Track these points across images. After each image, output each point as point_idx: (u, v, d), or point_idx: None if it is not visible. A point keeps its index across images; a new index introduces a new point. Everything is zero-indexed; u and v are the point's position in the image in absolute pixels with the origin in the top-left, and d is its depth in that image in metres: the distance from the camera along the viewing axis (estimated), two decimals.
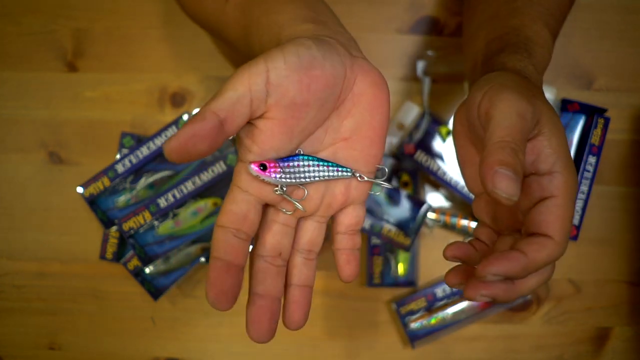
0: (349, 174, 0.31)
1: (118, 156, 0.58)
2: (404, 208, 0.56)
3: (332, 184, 0.32)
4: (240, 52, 0.43)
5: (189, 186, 0.54)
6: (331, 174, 0.31)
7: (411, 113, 0.58)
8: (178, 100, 0.60)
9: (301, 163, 0.30)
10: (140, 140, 0.58)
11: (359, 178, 0.32)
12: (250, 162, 0.28)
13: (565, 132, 0.31)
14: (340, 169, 0.31)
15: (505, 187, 0.26)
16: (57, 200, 0.59)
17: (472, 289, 0.29)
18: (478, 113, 0.31)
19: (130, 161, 0.56)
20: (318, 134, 0.31)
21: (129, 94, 0.60)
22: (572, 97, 0.57)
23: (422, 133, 0.58)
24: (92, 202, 0.57)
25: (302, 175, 0.30)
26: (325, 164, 0.31)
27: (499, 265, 0.28)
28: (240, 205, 0.29)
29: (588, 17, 0.60)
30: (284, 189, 0.29)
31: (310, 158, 0.30)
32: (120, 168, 0.56)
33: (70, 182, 0.58)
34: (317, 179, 0.31)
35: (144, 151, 0.56)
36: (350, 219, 0.33)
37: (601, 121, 0.55)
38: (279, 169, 0.29)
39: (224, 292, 0.27)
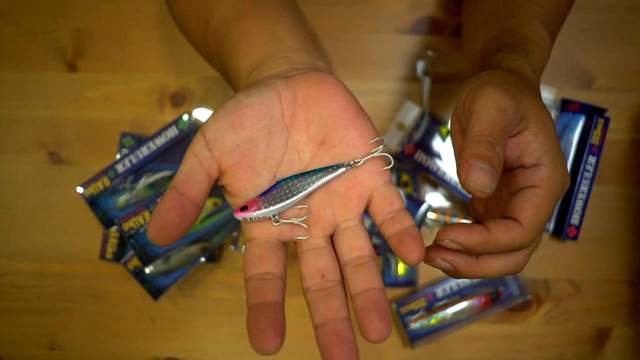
0: (341, 169, 0.30)
1: (118, 156, 0.58)
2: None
3: (333, 187, 0.31)
4: (223, 78, 0.44)
5: None
6: (322, 179, 0.30)
7: (411, 113, 0.58)
8: (178, 100, 0.60)
9: (284, 187, 0.30)
10: (140, 140, 0.58)
11: (354, 164, 0.30)
12: (234, 211, 0.30)
13: (555, 128, 0.31)
14: (328, 169, 0.31)
15: (477, 179, 0.26)
16: (57, 200, 0.59)
17: (434, 252, 0.29)
18: (463, 109, 0.31)
19: (130, 161, 0.56)
20: (291, 157, 0.31)
21: (129, 94, 0.60)
22: (572, 97, 0.57)
23: (422, 133, 0.58)
24: (92, 202, 0.57)
25: (289, 195, 0.30)
26: (309, 174, 0.30)
27: (459, 233, 0.28)
28: (252, 251, 0.30)
29: (588, 17, 0.60)
30: (277, 216, 0.30)
31: (291, 178, 0.30)
32: (120, 168, 0.56)
33: (70, 182, 0.58)
34: (306, 191, 0.30)
35: (144, 151, 0.56)
36: (380, 203, 0.30)
37: (601, 121, 0.55)
38: (260, 203, 0.29)
39: (262, 330, 0.26)
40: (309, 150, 0.32)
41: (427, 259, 0.29)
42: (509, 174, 0.31)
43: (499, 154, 0.27)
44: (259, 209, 0.29)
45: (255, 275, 0.29)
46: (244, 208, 0.29)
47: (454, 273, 0.30)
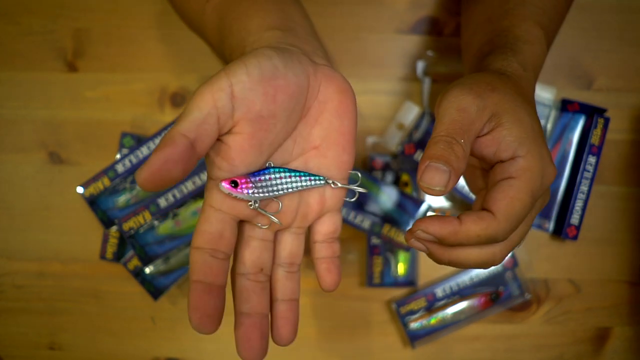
0: (322, 182, 0.31)
1: (118, 156, 0.58)
2: (388, 196, 0.56)
3: (306, 194, 0.32)
4: (216, 55, 0.43)
5: (189, 186, 0.54)
6: (304, 184, 0.31)
7: (411, 113, 0.58)
8: (178, 100, 0.60)
9: (273, 176, 0.30)
10: (140, 140, 0.58)
11: (332, 185, 0.32)
12: (221, 181, 0.28)
13: (534, 121, 0.30)
14: (312, 178, 0.31)
15: (429, 178, 0.27)
16: (57, 200, 0.59)
17: (409, 234, 0.30)
18: (435, 116, 0.32)
19: (130, 161, 0.56)
20: (287, 145, 0.31)
21: (129, 94, 0.60)
22: (572, 97, 0.57)
23: (422, 133, 0.58)
24: (92, 202, 0.57)
25: (275, 188, 0.30)
26: (298, 174, 0.31)
27: (430, 224, 0.28)
28: (214, 224, 0.28)
29: (588, 17, 0.60)
30: (257, 203, 0.29)
31: (282, 170, 0.30)
32: (120, 168, 0.56)
33: (70, 182, 0.58)
34: (290, 190, 0.30)
35: (144, 151, 0.56)
36: (328, 227, 0.33)
37: (601, 121, 0.55)
38: (250, 184, 0.28)
39: (208, 315, 0.27)
40: (302, 147, 0.32)
41: (406, 240, 0.31)
42: (490, 171, 0.31)
43: (457, 152, 0.27)
44: (247, 191, 0.28)
45: (209, 250, 0.28)
46: (233, 183, 0.28)
47: (429, 255, 0.31)
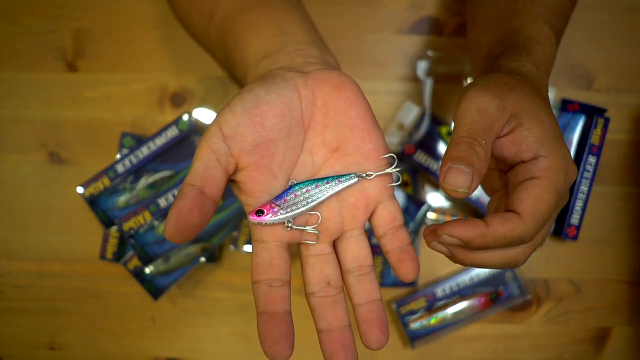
0: (354, 179, 0.31)
1: (118, 156, 0.58)
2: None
3: (343, 196, 0.31)
4: (226, 72, 0.44)
5: None
6: (335, 188, 0.30)
7: (411, 113, 0.58)
8: (178, 100, 0.60)
9: (298, 192, 0.30)
10: (140, 140, 0.58)
11: (366, 177, 0.31)
12: (249, 214, 0.29)
13: (554, 121, 0.30)
14: (341, 178, 0.31)
15: (452, 179, 0.27)
16: (57, 200, 0.59)
17: (431, 236, 0.30)
18: (453, 117, 0.32)
19: (130, 161, 0.56)
20: (304, 160, 0.31)
21: (129, 94, 0.60)
22: (572, 97, 0.57)
23: (422, 133, 0.58)
24: (92, 202, 0.57)
25: (305, 202, 0.30)
26: (323, 181, 0.30)
27: (455, 228, 0.28)
28: (262, 255, 0.30)
29: (588, 17, 0.60)
30: (290, 223, 0.30)
31: (305, 184, 0.30)
32: (120, 168, 0.56)
33: (70, 182, 0.58)
34: (321, 199, 0.30)
35: (144, 151, 0.56)
36: (384, 218, 0.32)
37: (601, 121, 0.55)
38: (275, 208, 0.29)
39: (276, 342, 0.28)
40: (322, 154, 0.32)
41: (427, 243, 0.30)
42: (511, 171, 0.31)
43: (479, 153, 0.28)
44: (275, 215, 0.29)
45: (265, 280, 0.29)
46: (259, 212, 0.29)
47: (452, 258, 0.31)
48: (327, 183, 0.30)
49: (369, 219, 0.32)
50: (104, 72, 0.60)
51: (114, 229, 0.57)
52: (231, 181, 0.31)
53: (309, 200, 0.30)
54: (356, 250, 0.31)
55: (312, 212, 0.31)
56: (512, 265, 0.31)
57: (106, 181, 0.56)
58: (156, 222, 0.56)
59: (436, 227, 0.29)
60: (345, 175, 0.31)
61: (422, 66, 0.59)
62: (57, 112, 0.60)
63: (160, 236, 0.57)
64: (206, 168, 0.28)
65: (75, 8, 0.60)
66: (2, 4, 0.60)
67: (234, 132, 0.28)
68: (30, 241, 0.59)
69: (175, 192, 0.54)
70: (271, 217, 0.29)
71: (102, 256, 0.57)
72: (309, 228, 0.30)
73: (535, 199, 0.28)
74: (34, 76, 0.60)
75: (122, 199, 0.58)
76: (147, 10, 0.60)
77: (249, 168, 0.29)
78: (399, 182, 0.32)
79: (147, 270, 0.56)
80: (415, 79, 0.60)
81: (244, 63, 0.37)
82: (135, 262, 0.55)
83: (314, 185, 0.30)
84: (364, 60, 0.60)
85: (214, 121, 0.29)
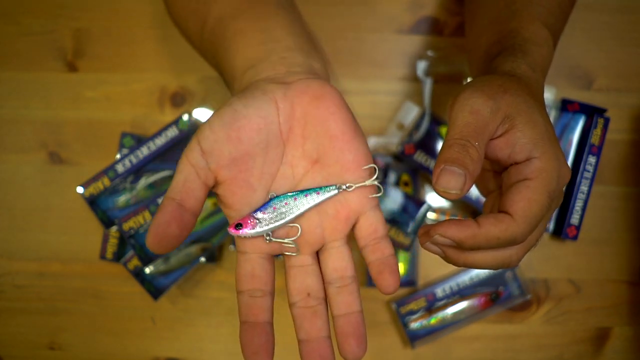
0: (333, 191, 0.31)
1: (118, 156, 0.58)
2: (393, 199, 0.56)
3: (324, 208, 0.31)
4: (220, 75, 0.45)
5: None
6: (315, 200, 0.31)
7: (411, 113, 0.58)
8: (178, 100, 0.60)
9: (277, 205, 0.30)
10: (140, 140, 0.58)
11: (346, 189, 0.31)
12: (228, 227, 0.30)
13: (548, 122, 0.30)
14: (320, 191, 0.31)
15: (444, 181, 0.27)
16: (57, 200, 0.59)
17: (424, 237, 0.30)
18: (447, 119, 0.32)
19: (130, 161, 0.56)
20: (284, 172, 0.32)
21: (129, 94, 0.60)
22: (572, 97, 0.57)
23: (422, 133, 0.58)
24: (92, 202, 0.57)
25: (282, 215, 0.30)
26: (303, 194, 0.31)
27: (448, 228, 0.28)
28: (244, 266, 0.31)
29: (588, 17, 0.60)
30: (269, 236, 0.30)
31: (284, 197, 0.31)
32: (120, 168, 0.56)
33: (70, 182, 0.58)
34: (299, 211, 0.30)
35: (144, 151, 0.56)
36: (366, 229, 0.32)
37: (601, 121, 0.55)
38: (255, 221, 0.30)
39: (256, 352, 0.29)
40: (302, 166, 0.32)
41: (420, 243, 0.31)
42: (505, 172, 0.31)
43: (472, 154, 0.28)
44: (253, 228, 0.30)
45: (247, 291, 0.30)
46: (238, 226, 0.30)
47: (445, 258, 0.31)
48: (306, 195, 0.31)
49: (352, 230, 0.32)
50: (104, 72, 0.60)
51: (114, 229, 0.57)
52: (215, 194, 0.31)
53: (288, 212, 0.30)
54: (337, 262, 0.31)
55: (292, 225, 0.31)
56: (505, 266, 0.30)
57: (106, 181, 0.56)
58: None
59: (429, 227, 0.29)
60: (325, 187, 0.31)
61: (422, 66, 0.59)
62: (57, 112, 0.60)
63: None
64: (185, 182, 0.29)
65: (75, 8, 0.60)
66: (2, 4, 0.60)
67: (212, 148, 0.29)
68: (30, 241, 0.59)
69: None
70: (249, 230, 0.30)
71: (102, 256, 0.57)
72: (287, 240, 0.31)
73: (527, 200, 0.28)
74: (34, 76, 0.60)
75: (122, 199, 0.58)
76: (147, 10, 0.60)
77: (228, 182, 0.30)
78: (380, 194, 0.32)
79: (147, 270, 0.56)
80: (415, 79, 0.60)
81: (231, 73, 0.38)
82: (135, 262, 0.55)
83: (292, 198, 0.31)
84: (364, 60, 0.60)
85: (194, 136, 0.30)
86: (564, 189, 0.31)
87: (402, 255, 0.58)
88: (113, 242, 0.57)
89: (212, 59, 0.43)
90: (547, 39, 0.38)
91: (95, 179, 0.56)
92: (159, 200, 0.54)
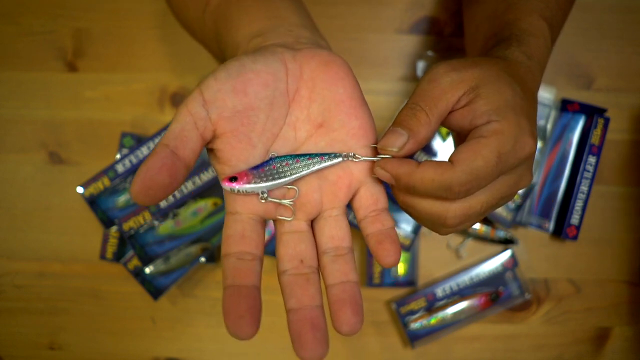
0: (338, 159, 0.30)
1: (118, 156, 0.58)
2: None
3: (325, 173, 0.30)
4: (220, 62, 0.44)
5: (189, 186, 0.54)
6: (318, 165, 0.29)
7: None
8: (178, 100, 0.60)
9: (277, 165, 0.29)
10: (140, 140, 0.58)
11: (353, 159, 0.30)
12: (222, 181, 0.28)
13: (516, 95, 0.29)
14: (324, 156, 0.30)
15: (385, 140, 0.28)
16: (57, 200, 0.59)
17: (376, 166, 0.30)
18: None
19: (130, 161, 0.56)
20: (286, 133, 0.30)
21: (129, 94, 0.60)
22: (572, 97, 0.57)
23: None
24: (92, 202, 0.57)
25: (282, 175, 0.29)
26: (305, 157, 0.29)
27: (388, 162, 0.29)
28: (233, 227, 0.28)
29: (588, 17, 0.60)
30: (265, 194, 0.28)
31: (286, 157, 0.29)
32: (120, 168, 0.56)
33: (70, 182, 0.58)
34: (300, 174, 0.29)
35: (144, 151, 0.56)
36: (366, 200, 0.30)
37: (601, 121, 0.55)
38: (250, 176, 0.28)
39: (240, 316, 0.26)
40: (306, 130, 0.31)
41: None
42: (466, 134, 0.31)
43: (419, 117, 0.28)
44: (249, 183, 0.28)
45: (235, 253, 0.28)
46: (233, 179, 0.28)
47: (393, 189, 0.30)
48: (309, 159, 0.29)
49: (350, 201, 0.31)
50: (104, 72, 0.60)
51: (114, 229, 0.57)
52: (209, 150, 0.30)
53: (287, 173, 0.29)
54: (334, 230, 0.30)
55: (289, 187, 0.29)
56: (438, 222, 0.29)
57: (106, 181, 0.56)
58: (156, 222, 0.56)
59: (380, 160, 0.29)
60: (330, 153, 0.30)
61: (422, 66, 0.59)
62: (57, 112, 0.60)
63: (160, 236, 0.57)
64: (182, 130, 0.27)
65: (75, 8, 0.60)
66: (2, 4, 0.60)
67: (215, 97, 0.28)
68: (30, 241, 0.59)
69: (175, 192, 0.54)
70: (244, 184, 0.28)
71: (102, 256, 0.57)
72: (284, 201, 0.29)
73: (473, 152, 0.27)
74: (34, 76, 0.60)
75: (122, 199, 0.58)
76: (147, 10, 0.60)
77: (227, 135, 0.28)
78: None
79: (147, 270, 0.56)
80: (415, 79, 0.60)
81: (235, 45, 0.37)
82: (135, 262, 0.55)
83: (294, 160, 0.29)
84: (364, 60, 0.60)
85: (196, 86, 0.28)
86: (530, 168, 0.30)
87: (402, 256, 0.58)
88: (113, 242, 0.57)
89: (213, 42, 0.42)
90: (543, 31, 0.38)
91: (95, 179, 0.56)
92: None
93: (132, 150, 0.56)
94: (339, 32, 0.60)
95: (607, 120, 0.55)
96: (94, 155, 0.59)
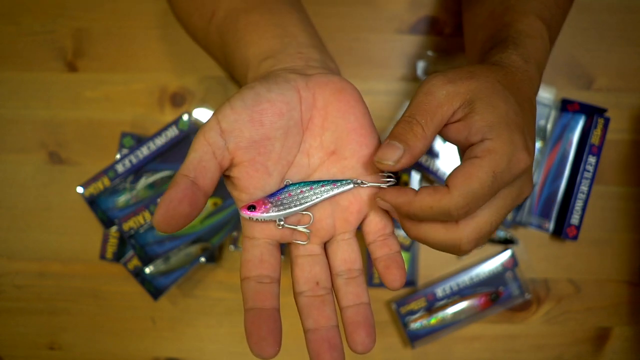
0: (349, 185, 0.31)
1: (118, 156, 0.58)
2: None
3: (337, 199, 0.32)
4: (225, 71, 0.44)
5: None
6: (330, 192, 0.31)
7: None
8: (178, 100, 0.60)
9: (292, 192, 0.30)
10: (140, 140, 0.58)
11: (361, 184, 0.31)
12: (241, 209, 0.29)
13: (510, 108, 0.30)
14: (337, 183, 0.31)
15: (382, 153, 0.28)
16: (57, 200, 0.59)
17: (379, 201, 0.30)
18: None
19: (130, 161, 0.56)
20: (300, 160, 0.31)
21: (129, 94, 0.60)
22: (572, 97, 0.57)
23: None
24: (92, 202, 0.57)
25: (297, 202, 0.30)
26: (319, 184, 0.31)
27: (387, 193, 0.29)
28: (252, 251, 0.30)
29: (588, 17, 0.60)
30: (282, 221, 0.30)
31: (300, 184, 0.30)
32: (120, 168, 0.56)
33: (70, 182, 0.58)
34: (314, 201, 0.30)
35: (144, 151, 0.56)
36: (375, 224, 0.32)
37: (601, 121, 0.55)
38: (269, 205, 0.29)
39: (264, 338, 0.27)
40: (318, 157, 0.32)
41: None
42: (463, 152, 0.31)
43: (415, 131, 0.29)
44: (267, 212, 0.29)
45: (254, 277, 0.29)
46: (251, 207, 0.29)
47: (403, 228, 0.31)
48: (322, 186, 0.31)
49: (360, 224, 0.32)
50: (104, 72, 0.60)
51: (114, 229, 0.57)
52: (225, 177, 0.31)
53: (303, 201, 0.30)
54: (346, 253, 0.32)
55: (304, 213, 0.31)
56: (455, 249, 0.30)
57: (106, 181, 0.56)
58: None
59: (380, 190, 0.30)
60: (342, 180, 0.31)
61: (422, 66, 0.59)
62: (57, 112, 0.60)
63: (160, 236, 0.57)
64: (200, 160, 0.28)
65: (75, 8, 0.60)
66: (2, 4, 0.60)
67: (232, 127, 0.29)
68: (30, 241, 0.59)
69: None
70: (262, 213, 0.29)
71: (102, 256, 0.57)
72: (300, 227, 0.30)
73: (468, 175, 0.27)
74: (34, 76, 0.60)
75: (122, 199, 0.58)
76: (147, 10, 0.60)
77: (245, 164, 0.29)
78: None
79: (147, 270, 0.56)
80: (415, 79, 0.60)
81: (245, 63, 0.37)
82: (135, 262, 0.55)
83: (308, 187, 0.30)
84: (364, 60, 0.60)
85: (212, 115, 0.29)
86: (531, 179, 0.31)
87: (402, 255, 0.58)
88: (113, 242, 0.57)
89: (218, 51, 0.43)
90: (541, 31, 0.38)
91: (95, 179, 0.56)
92: (159, 200, 0.54)
93: (132, 150, 0.56)
94: (339, 32, 0.60)
95: (607, 120, 0.55)
96: (94, 155, 0.59)
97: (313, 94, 0.31)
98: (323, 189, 0.31)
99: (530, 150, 0.29)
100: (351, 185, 0.31)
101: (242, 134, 0.29)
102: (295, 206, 0.30)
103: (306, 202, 0.30)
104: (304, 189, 0.30)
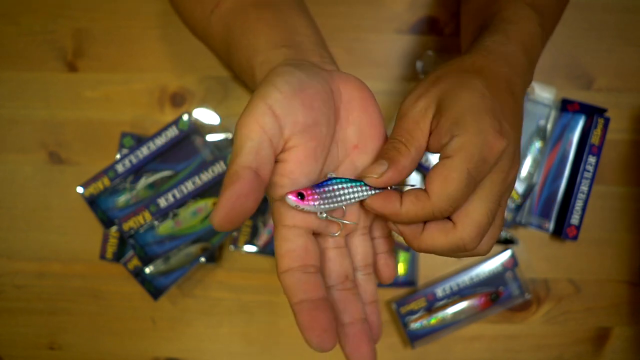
0: (377, 190, 0.31)
1: (118, 156, 0.58)
2: None
3: None
4: (222, 63, 0.44)
5: (189, 186, 0.54)
6: (364, 193, 0.30)
7: None
8: (178, 100, 0.60)
9: (336, 187, 0.29)
10: (140, 140, 0.58)
11: (391, 189, 0.31)
12: (288, 193, 0.27)
13: (475, 96, 0.29)
14: (366, 189, 0.30)
15: (368, 169, 0.30)
16: (57, 200, 0.59)
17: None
18: None
19: (130, 161, 0.56)
20: (332, 150, 0.31)
21: (129, 94, 0.60)
22: (572, 97, 0.57)
23: None
24: (92, 202, 0.57)
25: (339, 199, 0.29)
26: (357, 184, 0.30)
27: (374, 201, 0.29)
28: (295, 241, 0.28)
29: (588, 17, 0.60)
30: (324, 213, 0.29)
31: (343, 180, 0.30)
32: (120, 168, 0.56)
33: (70, 182, 0.58)
34: (351, 201, 0.30)
35: (144, 151, 0.56)
36: (384, 227, 0.33)
37: (601, 121, 0.55)
38: (316, 196, 0.28)
39: (324, 330, 0.26)
40: (344, 149, 0.32)
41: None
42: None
43: (399, 149, 0.30)
44: (314, 202, 0.28)
45: (299, 267, 0.27)
46: (300, 195, 0.27)
47: (406, 241, 0.31)
48: (361, 187, 0.30)
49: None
50: (104, 72, 0.60)
51: (114, 229, 0.57)
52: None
53: (343, 198, 0.29)
54: (367, 248, 0.32)
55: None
56: (462, 252, 0.30)
57: (106, 181, 0.56)
58: (156, 222, 0.56)
59: (367, 200, 0.30)
60: (373, 189, 0.31)
61: (421, 66, 0.59)
62: (57, 112, 0.60)
63: (160, 236, 0.57)
64: (260, 149, 0.26)
65: (75, 8, 0.60)
66: (2, 4, 0.60)
67: (286, 111, 0.27)
68: (30, 241, 0.59)
69: (176, 192, 0.54)
70: (312, 203, 0.28)
71: (102, 256, 0.57)
72: (346, 221, 0.30)
73: (443, 178, 0.27)
74: (34, 76, 0.60)
75: (122, 199, 0.58)
76: (147, 10, 0.60)
77: (298, 149, 0.28)
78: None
79: (147, 270, 0.56)
80: (415, 79, 0.60)
81: (251, 48, 0.36)
82: (135, 262, 0.55)
83: (350, 185, 0.30)
84: (364, 61, 0.60)
85: (258, 99, 0.27)
86: (518, 160, 0.31)
87: (402, 255, 0.58)
88: (113, 242, 0.57)
89: (219, 42, 0.42)
90: (528, 16, 0.37)
91: (95, 179, 0.56)
92: (159, 200, 0.54)
93: (132, 150, 0.56)
94: (339, 32, 0.60)
95: (607, 120, 0.55)
96: (94, 155, 0.59)
97: (339, 88, 0.32)
98: (361, 189, 0.30)
99: (505, 130, 0.29)
100: (379, 190, 0.31)
101: (297, 118, 0.27)
102: (337, 202, 0.29)
103: (347, 200, 0.29)
104: (345, 185, 0.30)
